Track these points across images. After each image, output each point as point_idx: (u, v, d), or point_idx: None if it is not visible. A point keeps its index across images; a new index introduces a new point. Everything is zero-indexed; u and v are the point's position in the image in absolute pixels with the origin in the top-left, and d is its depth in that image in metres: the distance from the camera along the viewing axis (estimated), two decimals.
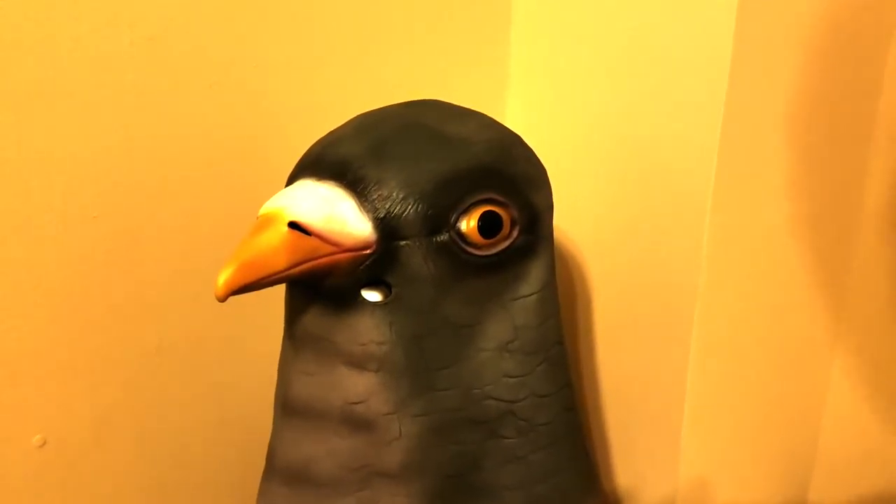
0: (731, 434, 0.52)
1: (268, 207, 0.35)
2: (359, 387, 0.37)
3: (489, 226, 0.38)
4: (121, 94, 0.46)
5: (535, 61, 0.57)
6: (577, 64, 0.53)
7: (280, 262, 0.34)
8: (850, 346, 0.54)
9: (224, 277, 0.33)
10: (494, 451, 0.40)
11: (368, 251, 0.36)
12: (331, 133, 0.40)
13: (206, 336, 0.52)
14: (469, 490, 0.39)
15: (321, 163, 0.38)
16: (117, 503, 0.52)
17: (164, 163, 0.48)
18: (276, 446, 0.41)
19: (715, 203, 0.45)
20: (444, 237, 0.37)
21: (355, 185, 0.36)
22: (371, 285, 0.37)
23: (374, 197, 0.36)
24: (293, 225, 0.34)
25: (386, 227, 0.36)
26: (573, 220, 0.54)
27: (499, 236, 0.38)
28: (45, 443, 0.48)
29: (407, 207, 0.36)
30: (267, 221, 0.35)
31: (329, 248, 0.35)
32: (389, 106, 0.42)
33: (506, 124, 0.43)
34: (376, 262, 0.36)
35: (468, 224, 0.37)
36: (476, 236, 0.37)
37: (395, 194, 0.36)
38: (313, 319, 0.38)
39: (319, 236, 0.35)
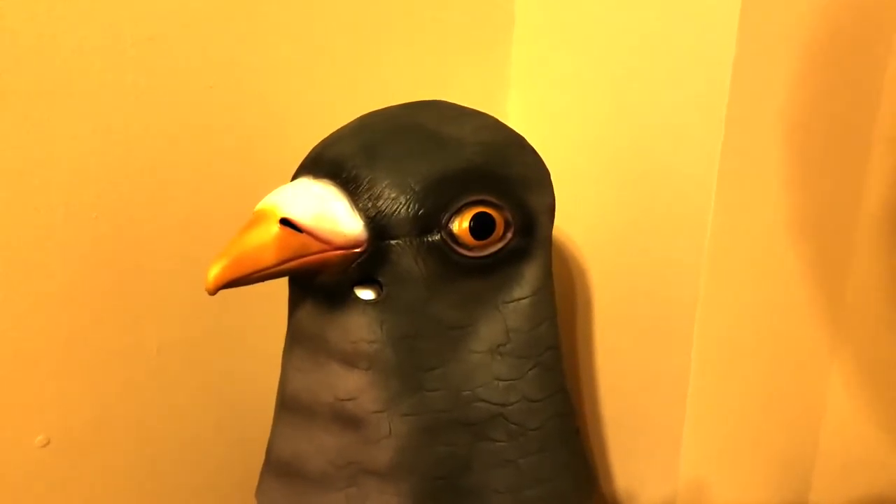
0: (732, 436, 0.52)
1: (262, 204, 0.36)
2: (349, 384, 0.37)
3: (481, 227, 0.37)
4: (121, 94, 0.46)
5: (537, 62, 0.57)
6: (579, 65, 0.53)
7: (270, 258, 0.34)
8: (851, 347, 0.53)
9: (214, 271, 0.33)
10: (484, 454, 0.39)
11: (359, 250, 0.36)
12: (333, 133, 0.41)
13: (206, 336, 0.52)
14: (458, 492, 0.39)
15: (319, 162, 0.38)
16: (118, 502, 0.52)
17: (164, 163, 0.49)
18: (272, 441, 0.41)
19: (717, 205, 0.44)
20: (435, 237, 0.37)
21: (349, 184, 0.36)
22: (364, 283, 0.37)
23: (366, 196, 0.36)
24: (285, 222, 0.35)
25: (377, 226, 0.36)
26: (574, 221, 0.54)
27: (491, 238, 0.38)
28: (47, 442, 0.49)
29: (398, 207, 0.36)
30: (259, 217, 0.35)
31: (319, 246, 0.35)
32: (392, 106, 0.42)
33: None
34: (367, 261, 0.36)
35: (460, 225, 0.37)
36: (468, 237, 0.37)
37: (386, 194, 0.36)
38: (308, 316, 0.38)
39: (310, 233, 0.35)
